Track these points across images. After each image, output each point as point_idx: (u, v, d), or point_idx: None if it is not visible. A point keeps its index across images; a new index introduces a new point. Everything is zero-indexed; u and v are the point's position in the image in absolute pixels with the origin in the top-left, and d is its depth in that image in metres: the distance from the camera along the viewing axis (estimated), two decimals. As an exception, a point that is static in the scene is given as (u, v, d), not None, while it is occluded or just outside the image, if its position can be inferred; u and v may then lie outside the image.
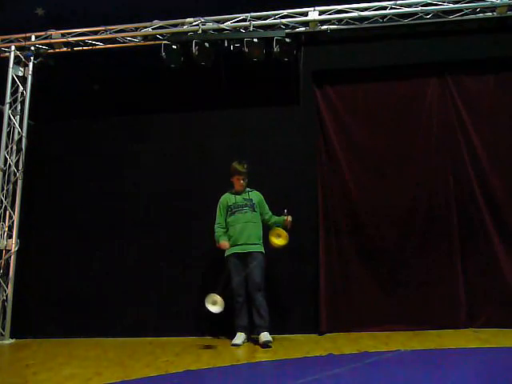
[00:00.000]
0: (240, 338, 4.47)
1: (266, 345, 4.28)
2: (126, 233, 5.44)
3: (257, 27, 5.41)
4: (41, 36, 5.75)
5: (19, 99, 5.71)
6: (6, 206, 5.49)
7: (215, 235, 4.69)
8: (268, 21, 5.43)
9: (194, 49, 5.19)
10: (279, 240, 4.52)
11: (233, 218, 4.67)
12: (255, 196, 4.79)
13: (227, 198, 4.78)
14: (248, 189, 4.81)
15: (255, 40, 5.17)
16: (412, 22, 5.25)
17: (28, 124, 5.68)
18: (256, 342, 4.49)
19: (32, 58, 5.72)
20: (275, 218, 4.75)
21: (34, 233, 5.55)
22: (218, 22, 5.49)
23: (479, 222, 4.99)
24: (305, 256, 5.08)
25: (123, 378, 3.35)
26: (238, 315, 4.54)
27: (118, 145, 5.67)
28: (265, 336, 4.36)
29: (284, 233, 4.53)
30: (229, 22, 5.47)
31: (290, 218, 4.61)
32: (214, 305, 4.36)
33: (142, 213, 5.46)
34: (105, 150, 5.68)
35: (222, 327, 4.90)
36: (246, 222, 4.62)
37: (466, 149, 5.13)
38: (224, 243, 4.59)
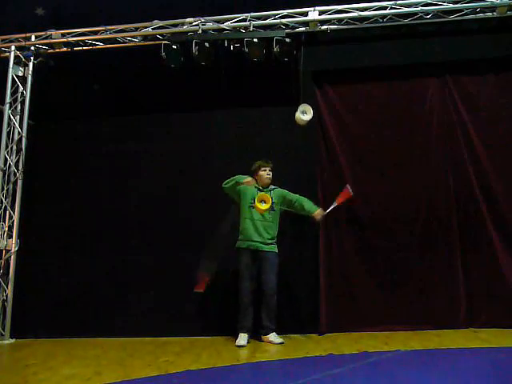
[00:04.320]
0: (244, 338, 4.46)
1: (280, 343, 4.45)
2: (127, 232, 5.44)
3: (257, 27, 5.41)
4: (41, 36, 5.74)
5: (19, 99, 5.71)
6: (6, 206, 5.50)
7: (231, 180, 4.62)
8: (268, 21, 5.43)
9: (194, 49, 5.19)
10: (263, 205, 4.53)
11: (252, 211, 4.62)
12: (276, 195, 4.73)
13: (252, 190, 4.70)
14: (272, 186, 4.78)
15: (255, 40, 5.17)
16: (412, 22, 5.24)
17: (28, 124, 5.68)
18: (258, 342, 4.52)
19: (32, 58, 5.72)
20: (308, 204, 4.66)
21: (33, 233, 5.55)
22: (218, 21, 5.48)
23: (479, 221, 4.99)
24: (305, 256, 5.09)
25: (123, 377, 3.35)
26: (244, 316, 4.52)
27: (117, 145, 5.65)
28: (276, 337, 4.48)
29: (269, 198, 4.56)
30: (229, 22, 5.47)
31: (321, 213, 4.62)
32: (304, 113, 4.37)
33: (142, 213, 5.46)
34: (105, 149, 5.67)
35: (222, 327, 4.91)
36: (262, 220, 4.60)
37: (466, 149, 5.13)
38: (247, 179, 4.57)
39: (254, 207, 4.62)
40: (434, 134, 5.22)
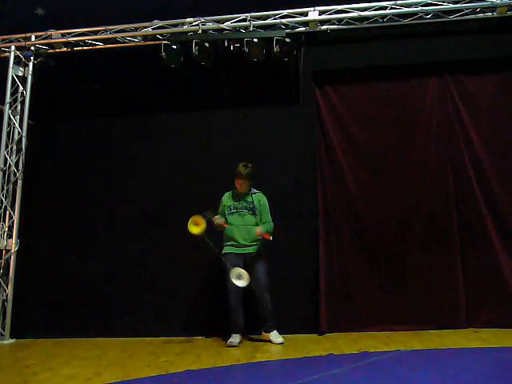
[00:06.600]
0: (236, 338, 4.47)
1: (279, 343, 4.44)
2: (126, 232, 5.44)
3: (257, 27, 5.42)
4: (41, 36, 5.75)
5: (19, 99, 5.71)
6: (6, 206, 5.50)
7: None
8: (268, 21, 5.43)
9: (194, 49, 5.20)
10: (195, 228, 4.41)
11: (231, 218, 4.68)
12: (257, 199, 4.72)
13: (227, 197, 4.78)
14: (254, 190, 4.77)
15: (255, 40, 5.17)
16: (412, 22, 5.25)
17: (28, 124, 5.68)
18: (257, 342, 4.53)
19: (32, 58, 5.73)
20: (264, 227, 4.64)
21: (34, 233, 5.55)
22: (218, 21, 5.49)
23: (479, 221, 4.99)
24: (305, 256, 5.08)
25: (123, 378, 3.35)
26: (235, 316, 4.52)
27: (117, 145, 5.66)
28: (277, 337, 4.47)
29: (203, 223, 4.42)
30: (229, 22, 5.47)
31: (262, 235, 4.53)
32: (240, 279, 4.31)
33: (142, 213, 5.46)
34: (105, 149, 5.68)
35: (222, 327, 4.90)
36: (244, 225, 4.62)
37: (466, 149, 5.13)
38: (216, 218, 4.55)
39: (234, 213, 4.65)
40: (434, 133, 5.22)
